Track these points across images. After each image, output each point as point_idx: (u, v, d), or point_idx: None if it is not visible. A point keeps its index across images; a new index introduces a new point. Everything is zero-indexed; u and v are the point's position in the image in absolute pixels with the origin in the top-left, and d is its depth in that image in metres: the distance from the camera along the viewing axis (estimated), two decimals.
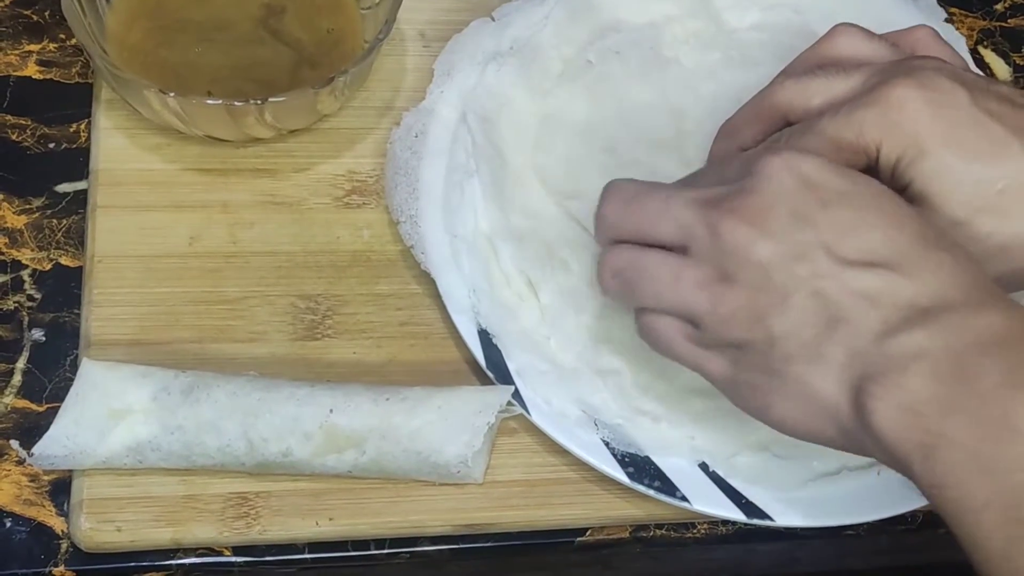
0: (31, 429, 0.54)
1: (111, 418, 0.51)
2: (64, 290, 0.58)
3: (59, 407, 0.51)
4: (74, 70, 0.65)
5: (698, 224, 0.46)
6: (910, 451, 0.42)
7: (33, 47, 0.65)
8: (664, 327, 0.49)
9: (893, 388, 0.42)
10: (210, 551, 0.53)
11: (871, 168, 0.49)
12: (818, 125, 0.49)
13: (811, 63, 0.53)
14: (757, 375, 0.46)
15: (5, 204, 0.60)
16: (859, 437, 0.44)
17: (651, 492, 0.54)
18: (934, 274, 0.44)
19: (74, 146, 0.62)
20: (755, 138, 0.54)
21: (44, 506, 0.53)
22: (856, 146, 0.49)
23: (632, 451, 0.55)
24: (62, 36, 0.66)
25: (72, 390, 0.52)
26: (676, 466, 0.55)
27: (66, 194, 0.61)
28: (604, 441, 0.55)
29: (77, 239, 0.59)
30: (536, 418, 0.55)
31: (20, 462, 0.53)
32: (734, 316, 0.46)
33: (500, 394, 0.54)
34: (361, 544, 0.54)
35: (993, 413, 0.40)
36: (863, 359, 0.43)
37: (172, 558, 0.52)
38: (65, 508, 0.53)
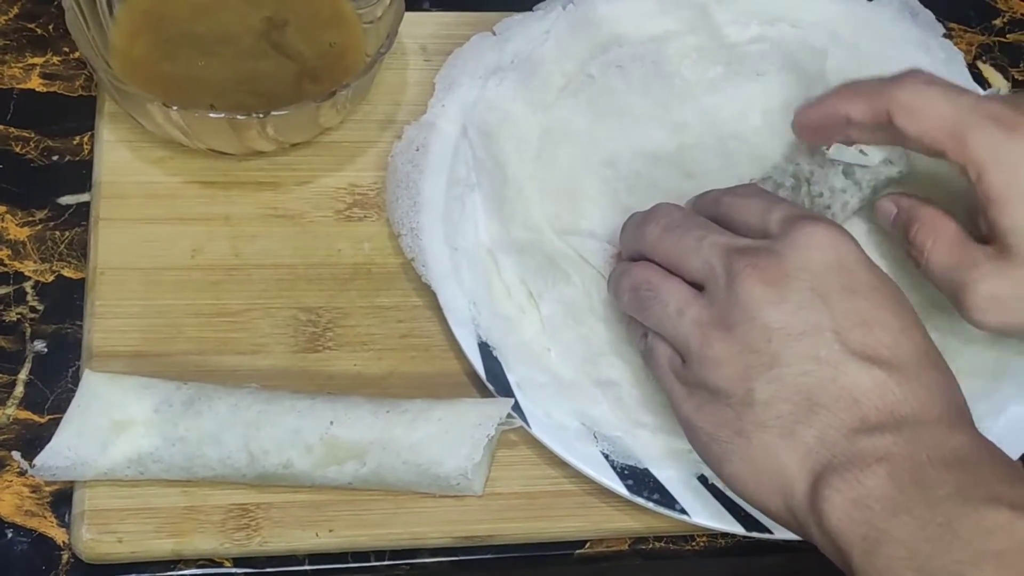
0: (33, 440, 0.54)
1: (113, 430, 0.51)
2: (66, 302, 0.58)
3: (61, 418, 0.52)
4: (78, 83, 0.65)
5: (721, 269, 0.47)
6: (853, 543, 0.43)
7: (37, 60, 0.66)
8: (659, 351, 0.50)
9: (852, 482, 0.43)
10: (211, 562, 0.53)
11: None
12: None
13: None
14: (723, 429, 0.47)
15: (8, 216, 0.60)
16: (803, 518, 0.45)
17: (650, 505, 0.54)
18: (924, 389, 0.45)
19: (77, 159, 0.63)
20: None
21: (45, 517, 0.53)
22: None
23: (631, 463, 0.55)
24: (66, 49, 0.66)
25: (74, 401, 0.52)
26: (675, 478, 0.55)
27: (69, 206, 0.61)
28: (603, 453, 0.55)
29: (80, 251, 0.60)
30: (536, 430, 0.55)
31: (22, 473, 0.53)
32: (718, 362, 0.46)
33: (500, 406, 0.54)
34: (361, 556, 0.54)
35: (937, 519, 0.41)
36: (831, 449, 0.44)
37: (173, 569, 0.52)
38: (66, 519, 0.53)
